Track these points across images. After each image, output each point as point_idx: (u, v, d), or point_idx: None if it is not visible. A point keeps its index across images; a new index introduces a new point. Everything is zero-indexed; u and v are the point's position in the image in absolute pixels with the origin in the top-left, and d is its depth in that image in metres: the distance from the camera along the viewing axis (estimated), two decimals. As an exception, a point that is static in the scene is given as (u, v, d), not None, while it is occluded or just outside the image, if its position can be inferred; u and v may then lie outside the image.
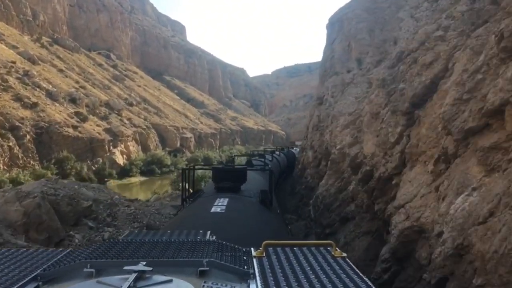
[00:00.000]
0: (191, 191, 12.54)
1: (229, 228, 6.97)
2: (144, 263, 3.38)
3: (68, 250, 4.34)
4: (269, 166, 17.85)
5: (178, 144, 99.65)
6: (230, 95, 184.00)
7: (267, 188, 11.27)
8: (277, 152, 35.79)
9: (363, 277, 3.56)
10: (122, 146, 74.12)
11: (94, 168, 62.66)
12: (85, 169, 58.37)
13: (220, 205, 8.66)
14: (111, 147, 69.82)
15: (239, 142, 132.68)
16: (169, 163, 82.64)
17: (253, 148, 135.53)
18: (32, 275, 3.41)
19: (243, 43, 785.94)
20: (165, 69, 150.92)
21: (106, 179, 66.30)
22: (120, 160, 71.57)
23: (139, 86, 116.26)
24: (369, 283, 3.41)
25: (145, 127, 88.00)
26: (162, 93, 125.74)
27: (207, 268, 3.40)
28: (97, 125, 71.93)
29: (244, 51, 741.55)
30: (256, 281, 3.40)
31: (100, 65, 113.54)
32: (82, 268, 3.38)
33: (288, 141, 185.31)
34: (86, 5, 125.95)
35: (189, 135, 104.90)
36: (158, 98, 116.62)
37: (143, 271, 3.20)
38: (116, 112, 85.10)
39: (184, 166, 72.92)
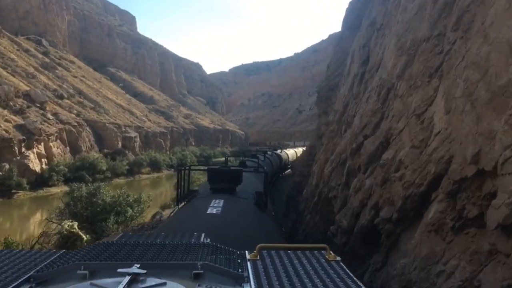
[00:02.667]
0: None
1: (224, 230, 6.98)
2: (138, 265, 3.36)
3: (61, 252, 4.29)
4: (264, 167, 16.78)
5: (120, 145, 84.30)
6: (184, 91, 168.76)
7: (262, 190, 11.52)
8: (269, 152, 35.06)
9: (357, 281, 3.56)
10: (41, 147, 58.28)
11: (-6, 177, 47.45)
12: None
13: (216, 206, 8.79)
14: (23, 149, 54.01)
15: (193, 143, 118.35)
16: (104, 168, 67.31)
17: (209, 150, 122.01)
18: (25, 277, 3.41)
19: (199, 38, 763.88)
20: (109, 60, 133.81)
21: (13, 191, 51.00)
22: (36, 165, 55.81)
23: (75, 77, 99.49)
24: (362, 286, 3.42)
25: (76, 124, 72.10)
26: (104, 85, 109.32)
27: (201, 271, 3.38)
28: (6, 120, 55.85)
29: (200, 46, 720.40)
30: (250, 284, 3.40)
31: (26, 51, 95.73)
32: (75, 270, 3.35)
33: (248, 141, 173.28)
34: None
35: (133, 134, 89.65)
36: (97, 91, 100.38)
37: (137, 274, 3.18)
38: (38, 105, 68.75)
39: (125, 172, 65.32)
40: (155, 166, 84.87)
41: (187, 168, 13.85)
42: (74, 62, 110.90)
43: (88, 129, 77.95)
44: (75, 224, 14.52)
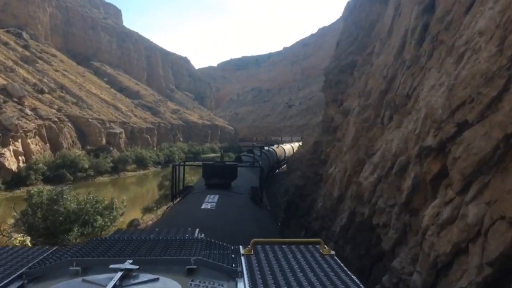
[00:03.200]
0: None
1: (219, 225, 6.97)
2: (131, 261, 3.36)
3: (54, 248, 4.29)
4: (260, 162, 16.50)
5: (104, 141, 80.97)
6: (172, 86, 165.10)
7: (257, 185, 11.37)
8: (266, 148, 34.83)
9: (351, 275, 3.57)
10: (18, 144, 54.90)
11: (-38, 177, 44.22)
12: None
13: (210, 201, 8.74)
14: (-2, 146, 50.65)
15: (181, 139, 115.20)
16: (86, 165, 64.10)
17: (197, 146, 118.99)
18: (17, 273, 3.39)
19: (187, 33, 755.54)
20: (93, 53, 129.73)
21: (-14, 191, 47.82)
22: (13, 163, 52.50)
23: (57, 71, 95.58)
24: (356, 281, 3.44)
25: (56, 119, 68.61)
26: (87, 80, 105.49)
27: (195, 266, 3.38)
28: (-21, 116, 52.38)
29: (189, 41, 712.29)
30: (243, 279, 3.40)
31: (5, 44, 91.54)
32: (68, 266, 3.35)
33: (237, 137, 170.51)
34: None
35: (118, 130, 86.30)
36: (81, 85, 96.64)
37: (130, 270, 3.18)
38: (15, 100, 65.16)
39: (109, 169, 63.80)
40: (141, 163, 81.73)
41: (181, 163, 13.33)
42: (56, 56, 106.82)
43: (70, 125, 74.53)
44: (28, 240, 11.88)
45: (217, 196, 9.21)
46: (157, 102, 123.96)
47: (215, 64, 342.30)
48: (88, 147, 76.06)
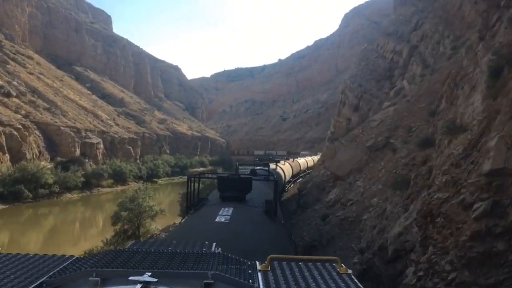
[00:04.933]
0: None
1: (233, 239, 7.01)
2: (150, 273, 3.39)
3: (74, 258, 4.34)
4: (274, 176, 17.10)
5: (78, 152, 71.81)
6: (161, 95, 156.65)
7: (272, 198, 11.31)
8: (281, 162, 34.29)
9: None
10: (-36, 154, 45.76)
11: None
12: None
13: (224, 214, 8.88)
14: None
15: (168, 151, 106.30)
16: (51, 181, 54.92)
17: (185, 159, 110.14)
18: (38, 282, 3.47)
19: (179, 43, 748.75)
20: (76, 58, 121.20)
21: None
22: (-46, 177, 43.27)
23: (31, 73, 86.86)
24: None
25: (20, 126, 59.50)
26: (66, 84, 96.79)
27: (212, 281, 3.40)
28: None
29: (181, 51, 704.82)
30: None
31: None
32: (87, 277, 3.37)
33: (229, 150, 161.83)
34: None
35: (95, 140, 77.34)
36: (57, 90, 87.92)
37: (148, 282, 3.22)
38: (-30, 102, 56.15)
39: (80, 185, 57.68)
40: (119, 177, 72.69)
41: (196, 176, 13.76)
42: (32, 58, 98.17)
43: (37, 133, 65.51)
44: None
45: (231, 209, 9.32)
46: (143, 110, 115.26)
47: (208, 75, 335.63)
48: (58, 159, 66.98)
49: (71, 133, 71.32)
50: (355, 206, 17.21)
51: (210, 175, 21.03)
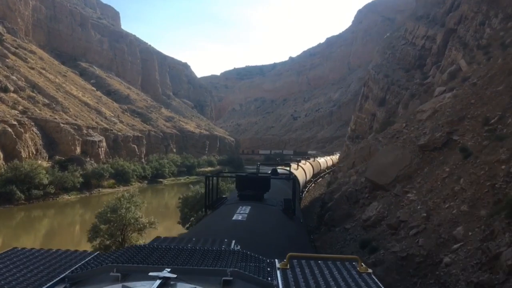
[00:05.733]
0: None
1: (250, 237, 6.96)
2: (169, 269, 3.41)
3: (95, 253, 4.39)
4: (293, 175, 16.88)
5: (78, 150, 67.90)
6: (169, 93, 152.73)
7: (291, 197, 11.32)
8: (302, 161, 35.23)
9: None
10: None
11: None
12: None
13: (241, 213, 8.96)
14: None
15: (175, 149, 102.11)
16: (46, 181, 50.94)
17: (192, 158, 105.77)
18: (60, 277, 3.55)
19: (190, 42, 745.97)
20: (81, 53, 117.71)
21: None
22: None
23: (32, 68, 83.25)
24: None
25: (15, 122, 55.63)
26: (69, 80, 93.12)
27: (231, 278, 3.38)
28: None
29: (191, 50, 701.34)
30: None
31: (-27, 36, 79.43)
32: (108, 272, 3.42)
33: (238, 149, 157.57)
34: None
35: (97, 137, 73.36)
36: (59, 86, 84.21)
37: (168, 278, 3.23)
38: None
39: (78, 185, 55.48)
40: (121, 177, 68.56)
41: (215, 175, 13.70)
42: (35, 53, 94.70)
43: (35, 130, 61.61)
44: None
45: (249, 208, 9.38)
46: (149, 107, 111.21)
47: (218, 73, 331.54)
48: (57, 157, 63.11)
49: (72, 130, 67.38)
50: (421, 236, 11.96)
51: (228, 174, 20.57)
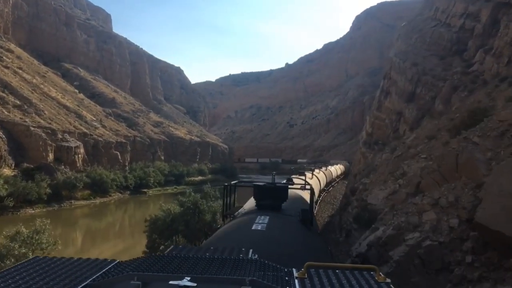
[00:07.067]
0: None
1: (269, 247, 7.09)
2: (189, 278, 3.48)
3: (116, 262, 4.48)
4: (311, 185, 15.88)
5: (51, 157, 60.78)
6: (160, 98, 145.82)
7: (308, 207, 11.36)
8: (316, 170, 35.80)
9: None
10: None
11: None
12: None
13: (260, 223, 8.96)
14: None
15: (163, 157, 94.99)
16: (3, 192, 43.97)
17: (182, 165, 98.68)
18: (83, 284, 3.62)
19: (185, 48, 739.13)
20: (66, 54, 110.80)
21: None
22: None
23: (7, 67, 76.25)
24: None
25: (-27, 125, 48.64)
26: (48, 81, 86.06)
27: (249, 287, 3.42)
28: None
29: (186, 56, 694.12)
30: None
31: None
32: (129, 280, 3.48)
33: (232, 157, 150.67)
34: None
35: (74, 143, 66.33)
36: (36, 86, 77.26)
37: (188, 287, 3.34)
38: None
39: (45, 197, 50.42)
40: (98, 188, 61.44)
41: (233, 185, 13.79)
42: (13, 51, 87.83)
43: (0, 133, 54.54)
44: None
45: (267, 218, 9.33)
46: (136, 112, 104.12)
47: (213, 79, 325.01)
48: (25, 165, 56.04)
49: (43, 134, 60.36)
50: None
51: (246, 184, 19.37)
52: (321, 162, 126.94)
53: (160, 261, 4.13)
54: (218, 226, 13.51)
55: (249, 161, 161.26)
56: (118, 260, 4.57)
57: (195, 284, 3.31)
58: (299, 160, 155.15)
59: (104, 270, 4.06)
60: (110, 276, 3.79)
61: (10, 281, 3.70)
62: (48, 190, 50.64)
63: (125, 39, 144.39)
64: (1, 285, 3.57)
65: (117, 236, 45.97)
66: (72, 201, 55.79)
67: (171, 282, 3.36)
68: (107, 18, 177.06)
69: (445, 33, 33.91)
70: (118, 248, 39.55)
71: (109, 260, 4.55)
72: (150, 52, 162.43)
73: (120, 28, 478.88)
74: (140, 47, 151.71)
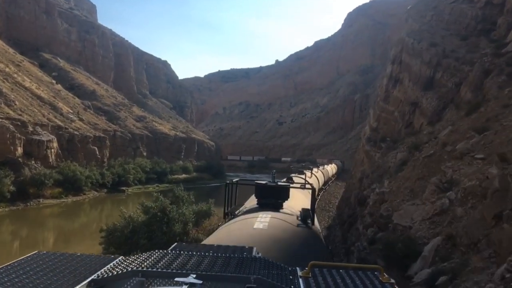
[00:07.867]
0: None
1: (271, 245, 7.21)
2: (194, 275, 3.44)
3: (119, 258, 4.36)
4: (311, 184, 16.04)
5: (20, 151, 55.92)
6: (146, 91, 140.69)
7: (309, 206, 11.44)
8: (315, 169, 36.17)
9: None
10: None
11: None
12: None
13: (262, 221, 8.98)
14: None
15: (145, 153, 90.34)
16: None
17: (165, 162, 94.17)
18: (86, 281, 3.56)
19: (174, 42, 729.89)
20: (45, 43, 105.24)
21: None
22: None
23: (-24, 54, 70.74)
24: None
25: None
26: (23, 71, 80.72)
27: (254, 285, 3.43)
28: None
29: (174, 51, 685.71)
30: None
31: None
32: (133, 277, 3.44)
33: (219, 154, 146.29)
34: None
35: (47, 137, 61.49)
36: (8, 76, 71.98)
37: (193, 284, 3.28)
38: None
39: (8, 195, 47.19)
40: (71, 185, 56.82)
41: (234, 183, 13.69)
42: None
43: (-40, 124, 49.67)
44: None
45: (269, 216, 9.36)
46: (118, 105, 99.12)
47: (201, 75, 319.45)
48: (-10, 159, 51.22)
49: (11, 126, 55.44)
50: None
51: (247, 182, 17.45)
52: (309, 161, 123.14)
53: (165, 258, 4.01)
54: (219, 224, 13.52)
55: (231, 158, 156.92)
56: (121, 256, 4.44)
57: (200, 282, 3.27)
58: (283, 159, 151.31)
59: (107, 266, 3.97)
60: (114, 272, 3.66)
61: (13, 275, 3.63)
62: (12, 188, 46.02)
63: (110, 30, 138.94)
64: (4, 279, 3.50)
65: (93, 238, 41.65)
66: (41, 199, 51.19)
67: (177, 279, 3.31)
68: (92, 8, 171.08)
69: (467, 9, 29.73)
70: (94, 250, 35.19)
71: (112, 256, 4.47)
72: (138, 47, 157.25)
73: (107, 22, 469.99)
74: (126, 39, 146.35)
